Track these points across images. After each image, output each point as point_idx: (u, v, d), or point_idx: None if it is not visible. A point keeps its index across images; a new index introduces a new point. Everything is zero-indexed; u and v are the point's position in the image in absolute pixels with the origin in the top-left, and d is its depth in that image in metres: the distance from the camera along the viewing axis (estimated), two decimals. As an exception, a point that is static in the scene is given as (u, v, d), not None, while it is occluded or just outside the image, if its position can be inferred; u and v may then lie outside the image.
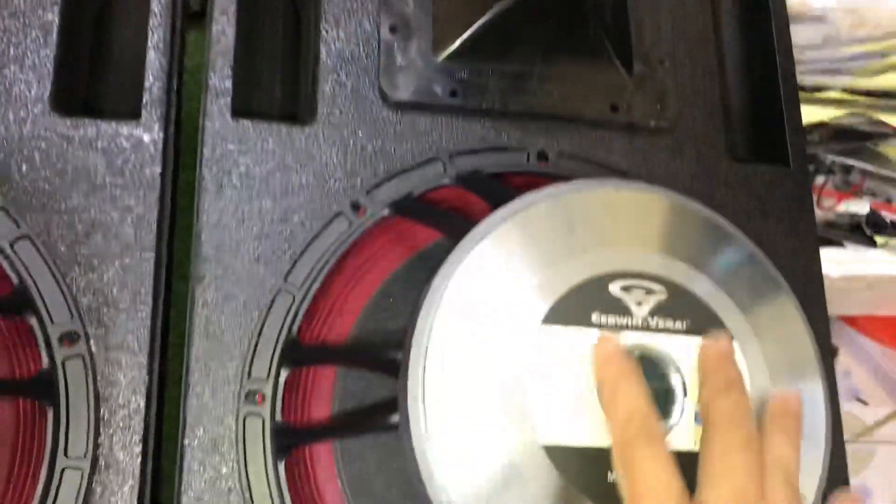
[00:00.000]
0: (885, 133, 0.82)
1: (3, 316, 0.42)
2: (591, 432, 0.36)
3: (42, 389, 0.41)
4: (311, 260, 0.47)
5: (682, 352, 0.38)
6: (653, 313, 0.38)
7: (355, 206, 0.48)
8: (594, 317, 0.37)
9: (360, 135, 0.50)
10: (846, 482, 0.52)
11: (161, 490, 0.46)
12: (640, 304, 0.38)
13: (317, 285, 0.46)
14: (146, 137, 0.47)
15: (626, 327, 0.38)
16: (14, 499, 0.40)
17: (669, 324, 0.38)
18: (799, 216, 0.56)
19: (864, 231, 0.88)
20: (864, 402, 1.09)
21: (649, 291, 0.38)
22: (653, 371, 0.38)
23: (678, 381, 0.38)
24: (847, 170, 0.87)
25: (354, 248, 0.47)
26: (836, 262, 0.82)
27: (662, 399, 0.38)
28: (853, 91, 0.81)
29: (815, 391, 0.41)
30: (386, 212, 0.47)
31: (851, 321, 1.05)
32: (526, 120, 0.52)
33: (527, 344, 0.36)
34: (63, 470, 0.41)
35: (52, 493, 0.41)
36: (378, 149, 0.50)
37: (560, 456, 0.35)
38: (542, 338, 0.37)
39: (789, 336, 0.42)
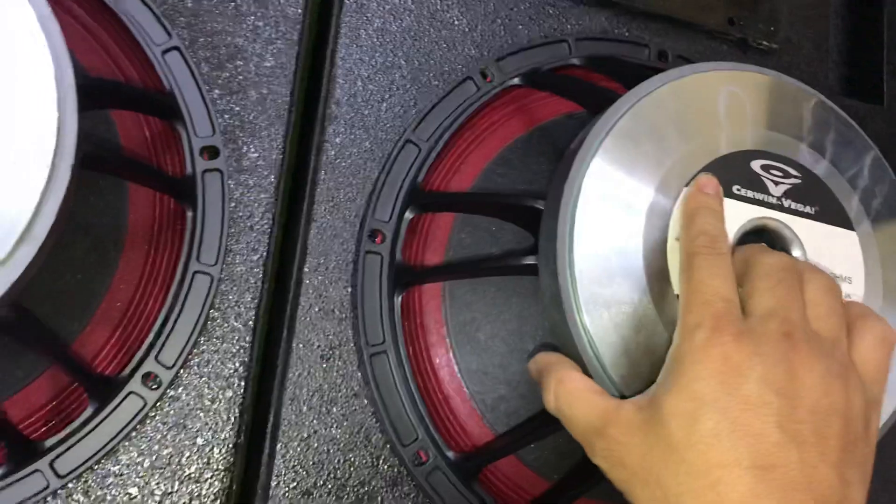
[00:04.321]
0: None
1: (159, 116, 0.43)
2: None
3: (185, 192, 0.43)
4: (438, 117, 0.48)
5: (807, 234, 0.40)
6: (787, 195, 0.40)
7: (483, 74, 0.49)
8: (734, 189, 0.39)
9: (492, 8, 0.51)
10: None
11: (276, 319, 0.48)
12: (776, 184, 0.40)
13: (443, 141, 0.47)
14: (292, -24, 0.48)
15: (762, 203, 0.39)
16: (147, 293, 0.42)
17: (800, 207, 0.40)
18: (888, 156, 0.58)
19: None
20: None
21: (787, 174, 0.40)
22: (779, 247, 0.40)
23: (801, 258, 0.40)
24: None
25: (480, 111, 0.48)
26: None
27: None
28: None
29: None
30: (517, 80, 0.48)
31: None
32: (647, 19, 0.54)
33: (669, 206, 0.38)
34: (194, 274, 0.42)
35: (183, 294, 0.42)
36: (507, 25, 0.51)
37: None
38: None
39: None
